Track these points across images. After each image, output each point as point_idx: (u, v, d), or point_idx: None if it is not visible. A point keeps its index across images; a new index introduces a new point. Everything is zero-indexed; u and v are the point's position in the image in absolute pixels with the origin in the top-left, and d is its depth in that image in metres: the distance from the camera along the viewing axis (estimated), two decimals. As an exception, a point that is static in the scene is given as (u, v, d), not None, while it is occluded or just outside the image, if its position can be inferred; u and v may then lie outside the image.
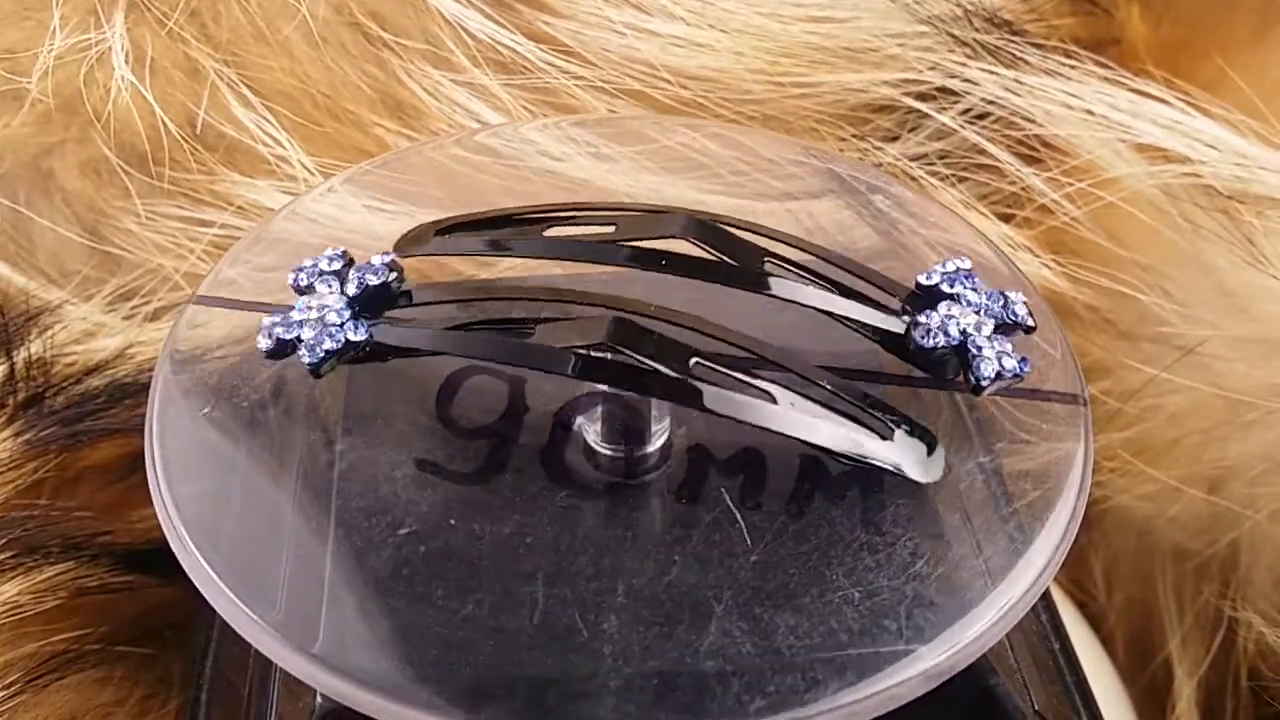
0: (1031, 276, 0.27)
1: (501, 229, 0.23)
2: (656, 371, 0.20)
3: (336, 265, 0.22)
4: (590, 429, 0.21)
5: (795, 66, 0.31)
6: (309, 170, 0.30)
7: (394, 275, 0.21)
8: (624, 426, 0.21)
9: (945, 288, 0.21)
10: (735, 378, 0.20)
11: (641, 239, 0.22)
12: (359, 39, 0.30)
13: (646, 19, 0.31)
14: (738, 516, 0.20)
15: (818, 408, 0.20)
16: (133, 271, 0.31)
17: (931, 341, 0.21)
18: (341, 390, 0.22)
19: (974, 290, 0.21)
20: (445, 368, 0.23)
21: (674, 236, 0.21)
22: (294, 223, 0.25)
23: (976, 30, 0.31)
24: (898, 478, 0.20)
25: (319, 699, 0.20)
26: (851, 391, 0.20)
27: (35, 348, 0.29)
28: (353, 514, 0.20)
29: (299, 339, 0.21)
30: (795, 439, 0.20)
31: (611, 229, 0.22)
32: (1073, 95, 0.31)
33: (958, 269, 0.22)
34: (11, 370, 0.28)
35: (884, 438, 0.20)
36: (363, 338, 0.21)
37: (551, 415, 0.22)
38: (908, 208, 0.25)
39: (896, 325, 0.21)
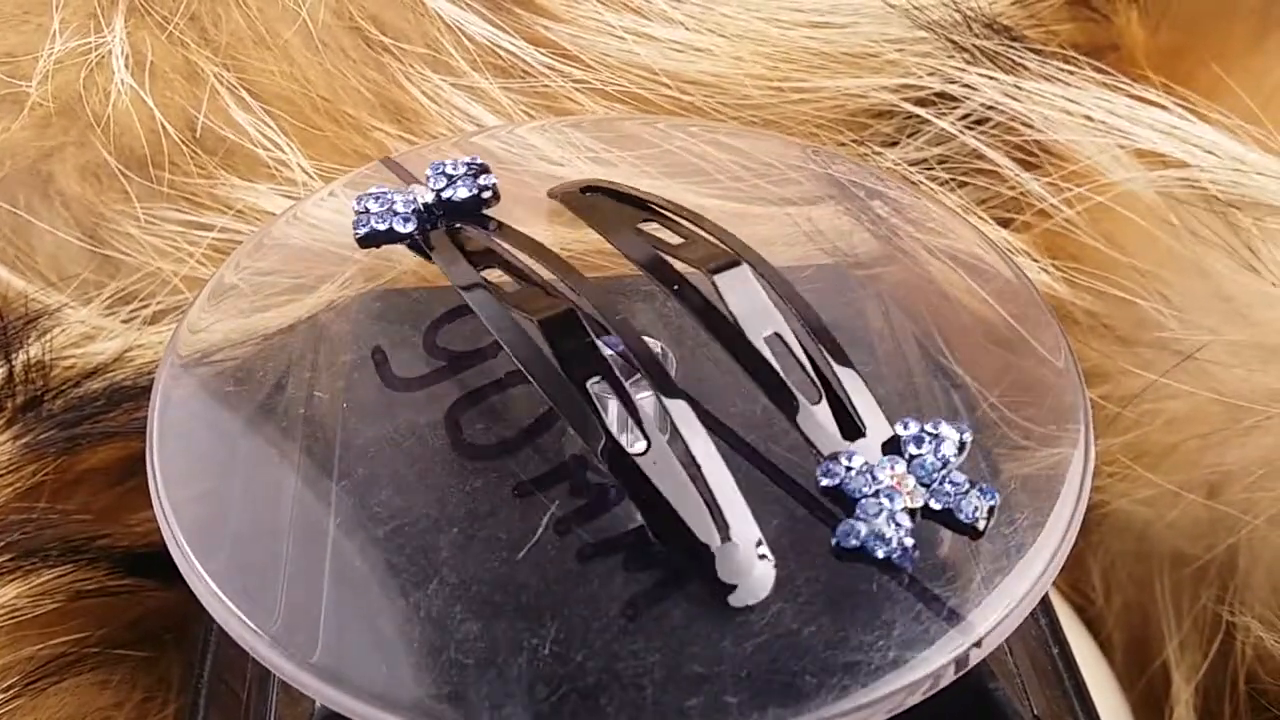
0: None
1: (629, 205, 0.24)
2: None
3: (459, 171, 0.24)
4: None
5: (794, 72, 0.31)
6: (308, 174, 0.30)
7: (488, 194, 0.24)
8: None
9: (912, 448, 0.20)
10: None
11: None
12: (359, 43, 0.30)
13: (646, 24, 0.31)
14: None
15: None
16: (132, 275, 0.31)
17: (821, 479, 0.19)
18: (341, 398, 0.22)
19: (940, 467, 0.20)
20: (447, 379, 0.23)
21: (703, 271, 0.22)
22: (294, 227, 0.25)
23: (975, 36, 0.31)
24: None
25: (317, 703, 0.20)
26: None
27: (34, 351, 0.29)
28: (352, 521, 0.20)
29: (368, 210, 0.23)
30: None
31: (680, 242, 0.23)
32: (1071, 101, 0.31)
33: (949, 435, 0.20)
34: (10, 373, 0.28)
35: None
36: (406, 231, 0.23)
37: (555, 424, 0.22)
38: (907, 213, 0.25)
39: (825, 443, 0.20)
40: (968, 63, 0.31)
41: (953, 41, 0.31)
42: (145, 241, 0.31)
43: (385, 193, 0.24)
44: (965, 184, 0.32)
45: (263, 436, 0.22)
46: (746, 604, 0.18)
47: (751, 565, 0.19)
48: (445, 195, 0.24)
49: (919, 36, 0.31)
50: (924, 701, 0.18)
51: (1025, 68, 0.31)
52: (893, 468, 0.19)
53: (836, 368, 0.21)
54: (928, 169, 0.32)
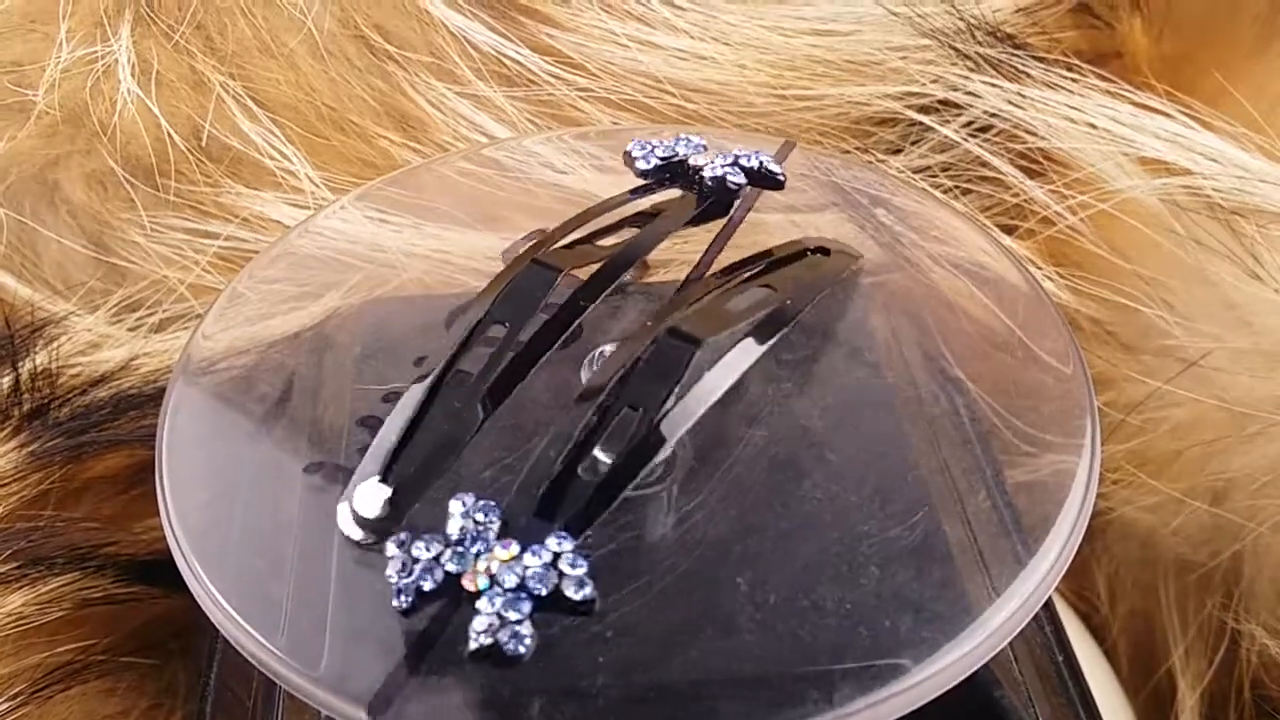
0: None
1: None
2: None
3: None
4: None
5: (798, 79, 0.31)
6: (314, 183, 0.30)
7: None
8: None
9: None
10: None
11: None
12: (364, 52, 0.31)
13: (650, 32, 0.31)
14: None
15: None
16: (138, 283, 0.31)
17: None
18: (347, 406, 0.22)
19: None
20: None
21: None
22: (307, 239, 0.25)
23: (979, 44, 0.31)
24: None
25: (323, 713, 0.20)
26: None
27: (40, 359, 0.29)
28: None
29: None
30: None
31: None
32: (1075, 108, 0.31)
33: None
34: (17, 382, 0.28)
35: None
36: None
37: (554, 434, 0.22)
38: (912, 220, 0.25)
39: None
40: (971, 70, 0.31)
41: (956, 49, 0.31)
42: (151, 249, 0.31)
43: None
44: (969, 191, 0.32)
45: (269, 444, 0.22)
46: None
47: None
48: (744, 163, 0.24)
49: (922, 44, 0.31)
50: (930, 708, 0.18)
51: (1028, 75, 0.31)
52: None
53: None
54: (931, 176, 0.32)
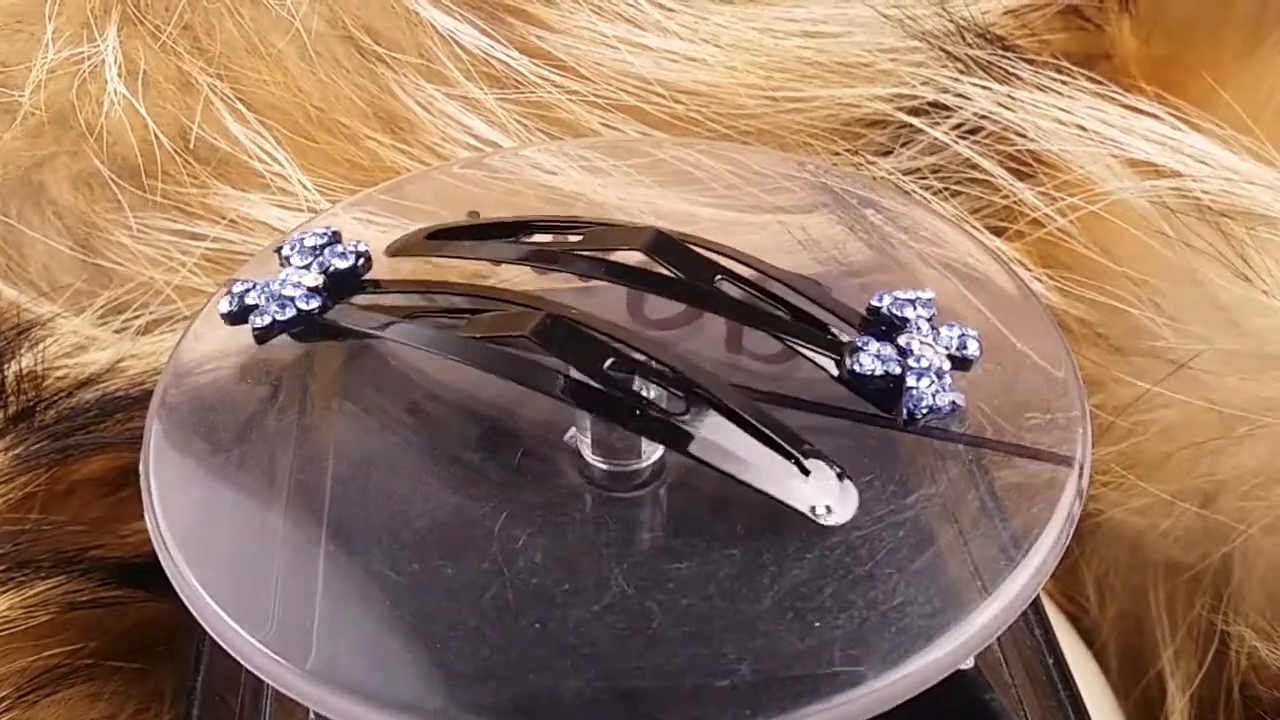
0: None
1: (484, 237, 0.24)
2: (568, 374, 0.20)
3: (320, 242, 0.23)
4: (584, 441, 0.21)
5: (788, 81, 0.31)
6: (303, 185, 0.30)
7: (361, 262, 0.23)
8: (616, 440, 0.21)
9: (896, 313, 0.21)
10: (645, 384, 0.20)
11: (606, 249, 0.22)
12: (352, 53, 0.30)
13: (640, 34, 0.31)
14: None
15: (729, 427, 0.20)
16: (124, 285, 0.31)
17: (867, 369, 0.20)
18: (334, 406, 0.22)
19: (928, 320, 0.21)
20: (437, 388, 0.23)
21: (635, 249, 0.22)
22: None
23: (969, 46, 0.31)
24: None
25: (311, 715, 0.20)
26: (765, 418, 0.20)
27: (26, 361, 0.29)
28: (345, 530, 0.20)
29: (254, 306, 0.22)
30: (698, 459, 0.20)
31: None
32: (1064, 110, 0.31)
33: (916, 297, 0.21)
34: (2, 384, 0.28)
35: (803, 471, 0.20)
36: (312, 307, 0.22)
37: (546, 431, 0.22)
38: (901, 221, 0.25)
39: (834, 349, 0.21)
40: (961, 72, 0.31)
41: (946, 51, 0.31)
42: (138, 251, 0.31)
43: (254, 284, 0.22)
44: (958, 193, 0.32)
45: (256, 445, 0.22)
46: (842, 522, 0.19)
47: (835, 485, 0.19)
48: (325, 269, 0.22)
49: (912, 46, 0.31)
50: (919, 711, 0.18)
51: (1018, 77, 0.31)
52: (903, 336, 0.21)
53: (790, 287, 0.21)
54: (921, 178, 0.32)
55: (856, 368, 0.20)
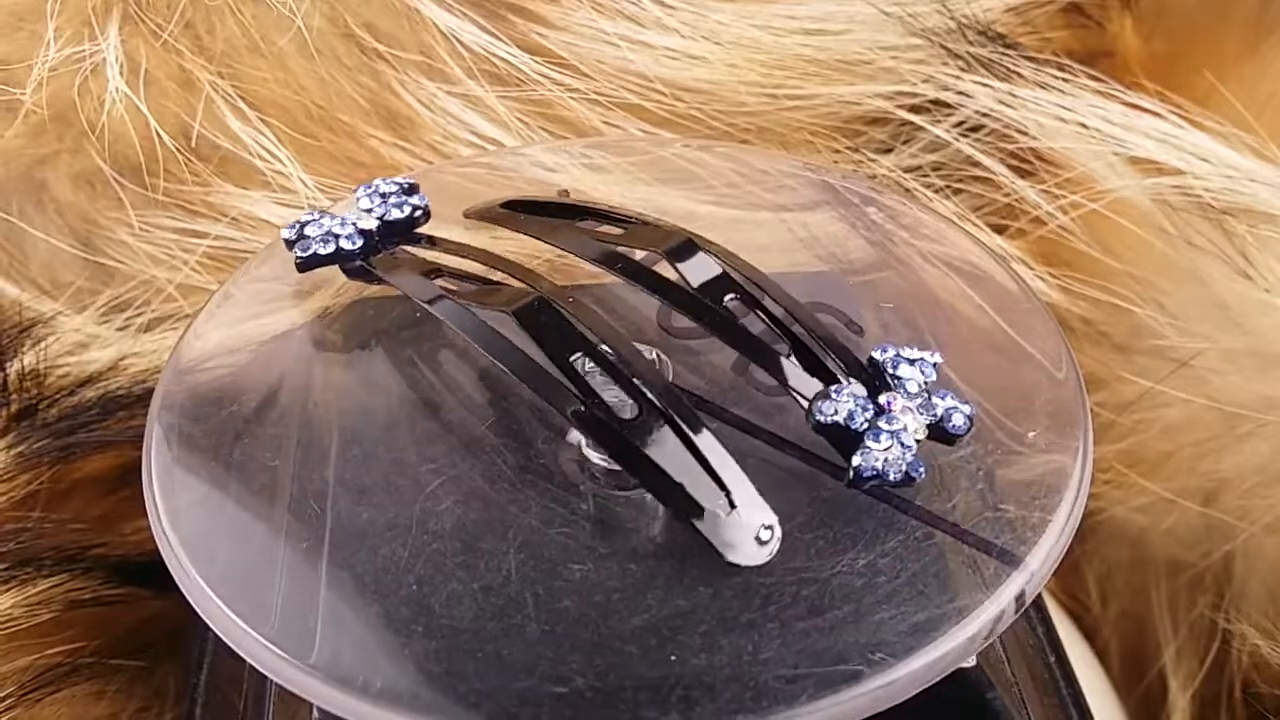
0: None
1: (551, 215, 0.24)
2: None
3: (392, 190, 0.24)
4: (586, 441, 0.21)
5: (789, 79, 0.31)
6: (304, 182, 0.30)
7: (418, 214, 0.24)
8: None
9: (890, 370, 0.20)
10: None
11: (642, 246, 0.23)
12: (353, 50, 0.30)
13: (641, 31, 0.31)
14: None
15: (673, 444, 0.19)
16: (126, 283, 0.31)
17: (825, 415, 0.20)
18: (336, 404, 0.22)
19: (923, 384, 0.20)
20: (441, 379, 0.23)
21: (654, 251, 0.22)
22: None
23: (970, 43, 0.31)
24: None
25: (315, 713, 0.20)
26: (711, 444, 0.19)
27: (28, 359, 0.29)
28: (347, 525, 0.20)
29: (307, 236, 0.23)
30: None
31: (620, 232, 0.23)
32: (1066, 108, 0.31)
33: (920, 358, 0.21)
34: (4, 382, 0.28)
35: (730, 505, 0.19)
36: (355, 247, 0.23)
37: (551, 427, 0.22)
38: (902, 219, 0.25)
39: (807, 389, 0.20)
40: (962, 70, 0.31)
41: (947, 49, 0.31)
42: (139, 249, 0.31)
43: (318, 216, 0.24)
44: (960, 191, 0.32)
45: (258, 442, 0.22)
46: (762, 561, 0.19)
47: (752, 530, 0.19)
48: (381, 216, 0.24)
49: (913, 44, 0.31)
50: (921, 709, 0.18)
51: (1019, 75, 0.31)
52: (888, 393, 0.20)
53: (801, 321, 0.21)
54: (922, 176, 0.32)
55: (817, 413, 0.20)
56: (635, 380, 0.20)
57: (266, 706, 0.22)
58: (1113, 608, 0.33)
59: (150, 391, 0.23)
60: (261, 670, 0.19)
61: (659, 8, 0.31)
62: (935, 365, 0.20)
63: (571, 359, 0.20)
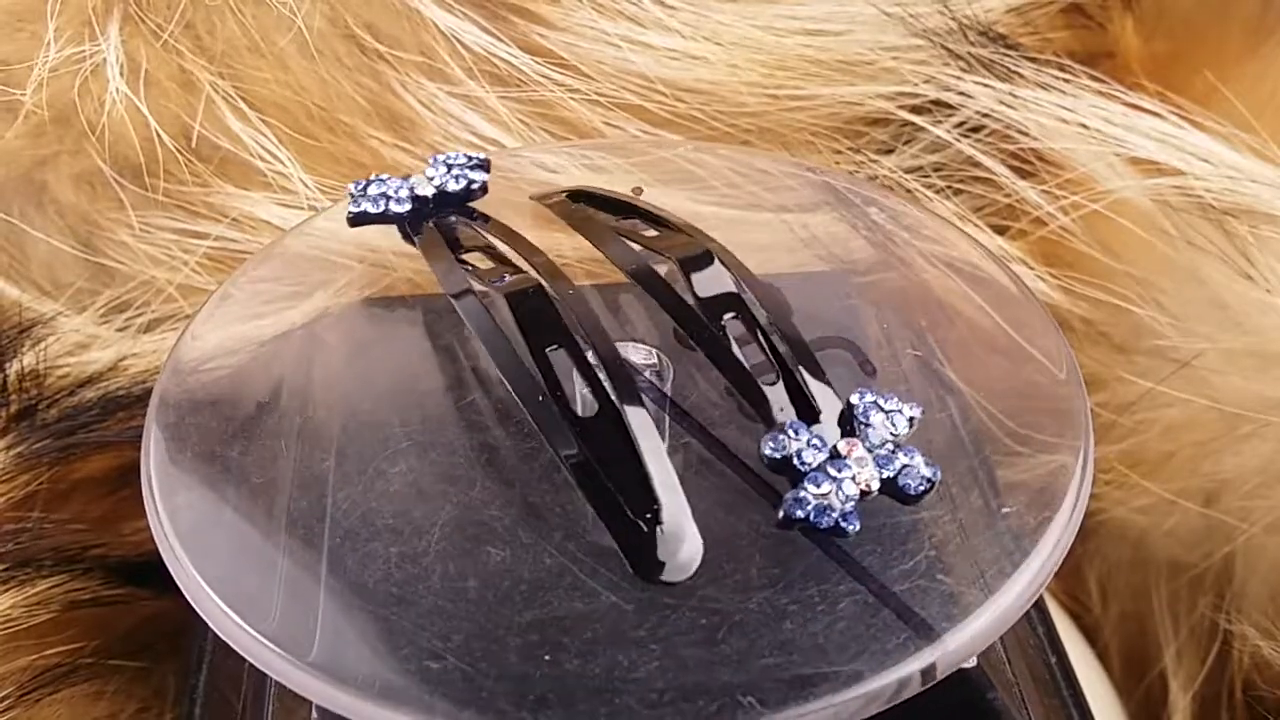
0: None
1: (608, 210, 0.25)
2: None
3: (458, 162, 0.25)
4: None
5: (790, 79, 0.31)
6: (305, 183, 0.30)
7: (475, 188, 0.24)
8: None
9: (860, 416, 0.19)
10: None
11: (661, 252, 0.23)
12: (354, 51, 0.30)
13: (642, 31, 0.31)
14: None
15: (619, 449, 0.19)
16: (126, 284, 0.31)
17: (765, 450, 0.19)
18: (336, 404, 0.22)
19: (892, 435, 0.19)
20: (440, 379, 0.23)
21: (670, 258, 0.22)
22: (299, 239, 0.25)
23: (971, 44, 0.31)
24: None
25: (314, 713, 0.20)
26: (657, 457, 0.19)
27: (28, 360, 0.29)
28: (347, 523, 0.20)
29: (365, 193, 0.24)
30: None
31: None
32: (1067, 109, 0.31)
33: (897, 409, 0.20)
34: (4, 382, 0.28)
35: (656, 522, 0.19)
36: (402, 210, 0.24)
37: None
38: (903, 220, 0.25)
39: (770, 422, 0.20)
40: (963, 70, 0.31)
41: (948, 49, 0.31)
42: (140, 250, 0.31)
43: (385, 178, 0.24)
44: (961, 191, 0.32)
45: (258, 442, 0.22)
46: (673, 580, 0.19)
47: (680, 544, 0.19)
48: (439, 185, 0.24)
49: (914, 44, 0.31)
50: (922, 709, 0.18)
51: (1020, 75, 0.31)
52: (849, 439, 0.19)
53: (793, 351, 0.21)
54: (923, 176, 0.32)
55: (764, 445, 0.19)
56: (602, 381, 0.20)
57: (266, 706, 0.21)
58: (1113, 608, 0.33)
59: (150, 392, 0.23)
60: (261, 668, 0.19)
61: (660, 8, 0.31)
62: (913, 418, 0.20)
63: (548, 350, 0.20)
